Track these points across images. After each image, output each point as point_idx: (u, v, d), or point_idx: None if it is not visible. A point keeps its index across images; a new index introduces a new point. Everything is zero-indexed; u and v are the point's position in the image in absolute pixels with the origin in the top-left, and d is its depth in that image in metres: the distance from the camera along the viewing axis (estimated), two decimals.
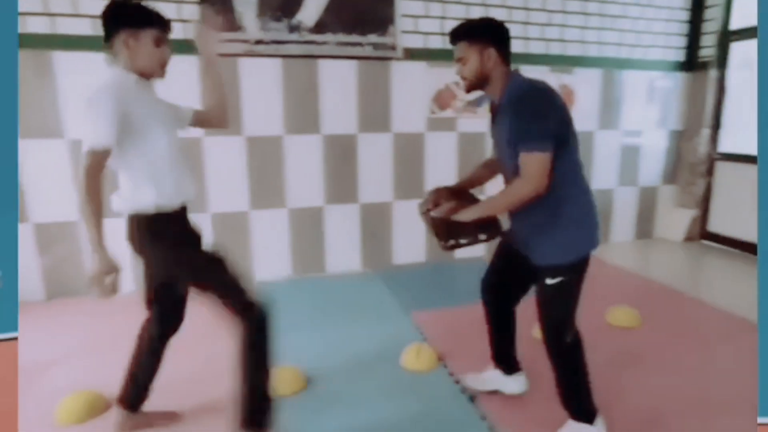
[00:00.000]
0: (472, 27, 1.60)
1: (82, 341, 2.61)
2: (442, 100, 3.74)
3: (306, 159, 3.52)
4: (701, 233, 4.51)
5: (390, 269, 3.78)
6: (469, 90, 1.68)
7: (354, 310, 3.00)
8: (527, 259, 1.70)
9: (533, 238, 1.66)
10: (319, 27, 3.40)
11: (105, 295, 1.47)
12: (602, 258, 4.01)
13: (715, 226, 4.41)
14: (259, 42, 3.31)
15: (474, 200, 1.78)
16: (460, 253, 4.00)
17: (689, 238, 4.50)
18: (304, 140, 3.49)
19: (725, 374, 2.27)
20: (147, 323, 1.82)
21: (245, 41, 3.29)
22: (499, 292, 1.92)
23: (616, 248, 4.34)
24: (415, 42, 3.63)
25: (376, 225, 3.78)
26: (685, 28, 4.32)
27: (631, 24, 4.14)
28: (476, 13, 3.71)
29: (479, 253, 4.00)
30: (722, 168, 4.32)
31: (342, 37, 3.46)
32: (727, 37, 4.18)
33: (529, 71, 3.11)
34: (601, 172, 4.34)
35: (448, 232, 1.64)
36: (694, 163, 4.41)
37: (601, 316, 2.82)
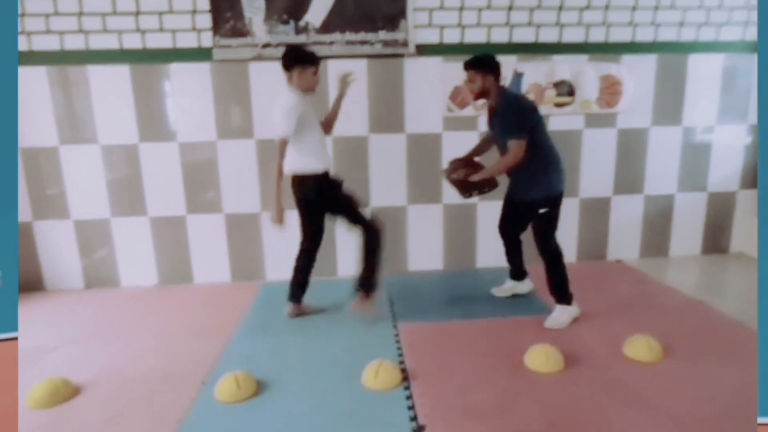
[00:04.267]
0: (480, 61, 2.62)
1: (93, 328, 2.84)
2: (460, 97, 3.48)
3: None
4: None
5: (405, 275, 3.60)
6: (475, 99, 2.77)
7: (340, 317, 2.90)
8: (523, 203, 2.74)
9: (525, 185, 2.68)
10: (327, 27, 3.34)
11: (277, 225, 2.66)
12: (652, 275, 3.44)
13: None
14: (266, 45, 3.34)
15: (479, 166, 2.78)
16: (480, 262, 3.72)
17: None
18: None
19: None
20: (304, 244, 2.87)
21: (254, 46, 3.33)
22: (508, 227, 2.98)
23: (676, 263, 3.71)
24: (431, 37, 3.41)
25: (388, 230, 3.61)
26: None
27: (698, 0, 3.50)
28: (500, 1, 3.39)
29: (500, 263, 3.68)
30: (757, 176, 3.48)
31: (350, 35, 3.36)
32: None
33: (563, 61, 3.45)
34: (657, 175, 3.74)
35: (465, 187, 2.74)
36: None
37: (619, 346, 2.41)
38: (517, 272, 3.13)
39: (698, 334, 2.57)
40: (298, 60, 2.59)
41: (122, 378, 2.30)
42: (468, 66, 2.63)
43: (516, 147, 2.54)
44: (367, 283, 2.79)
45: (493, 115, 2.72)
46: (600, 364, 2.30)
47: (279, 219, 2.62)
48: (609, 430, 1.83)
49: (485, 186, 2.69)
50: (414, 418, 1.93)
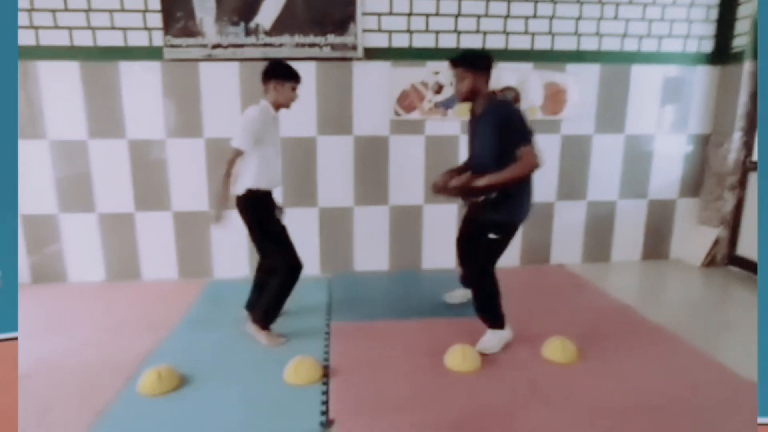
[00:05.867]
0: (471, 57, 2.36)
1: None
2: (407, 101, 3.55)
3: None
4: (728, 257, 3.80)
5: (350, 275, 3.68)
6: (462, 101, 2.45)
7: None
8: (475, 221, 2.50)
9: (485, 204, 2.39)
10: (277, 29, 3.39)
11: (218, 224, 2.52)
12: (590, 279, 3.54)
13: (745, 249, 3.69)
14: (216, 46, 3.39)
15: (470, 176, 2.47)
16: (426, 263, 3.80)
17: (712, 263, 3.82)
18: None
19: None
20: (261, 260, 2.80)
21: (204, 46, 3.38)
22: (464, 242, 2.79)
23: (616, 268, 3.82)
24: (379, 41, 3.48)
25: (336, 230, 3.70)
26: (713, 13, 3.66)
27: (640, 12, 3.60)
28: (448, 7, 3.46)
29: (445, 265, 3.78)
30: (757, 180, 3.59)
31: (299, 38, 3.42)
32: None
33: (509, 69, 3.45)
34: (599, 182, 3.84)
35: (468, 193, 2.43)
36: (722, 174, 3.73)
37: (539, 348, 2.51)
38: (467, 280, 2.96)
39: (616, 336, 2.67)
40: (277, 74, 2.51)
41: (55, 370, 2.35)
42: (456, 63, 2.34)
43: (527, 154, 2.21)
44: (262, 314, 2.63)
45: (476, 122, 2.41)
46: (517, 364, 2.39)
47: (219, 218, 2.53)
48: (513, 425, 1.92)
49: (489, 192, 2.38)
50: (325, 413, 1.99)
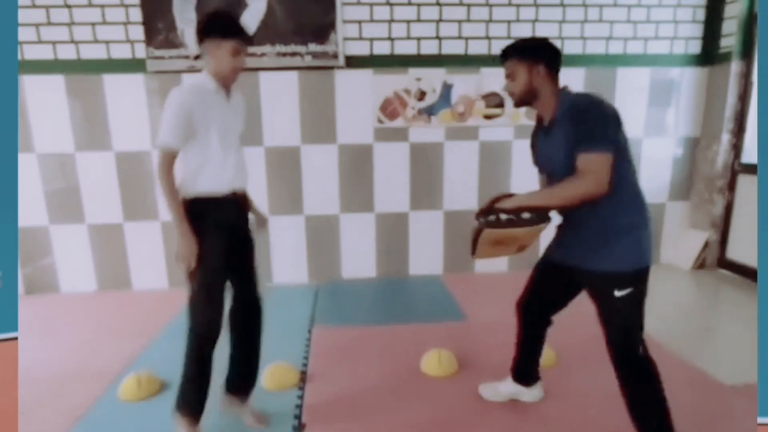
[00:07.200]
0: (523, 45, 1.69)
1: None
2: (390, 108, 3.54)
3: (250, 172, 3.53)
4: (719, 261, 3.75)
5: (337, 282, 3.70)
6: (517, 105, 1.75)
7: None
8: (586, 275, 1.67)
9: (592, 245, 1.62)
10: (258, 39, 3.40)
11: (188, 267, 1.74)
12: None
13: (735, 252, 3.64)
14: (198, 57, 3.40)
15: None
16: (413, 269, 3.80)
17: (701, 266, 3.78)
18: (247, 153, 3.49)
19: None
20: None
21: (186, 57, 3.40)
22: (536, 304, 1.95)
23: None
24: (360, 49, 3.47)
25: (323, 238, 3.71)
26: (700, 14, 3.60)
27: (625, 14, 3.55)
28: (429, 13, 3.44)
29: (432, 271, 3.78)
30: (746, 182, 3.55)
31: (281, 47, 3.42)
32: (752, 22, 3.41)
33: (492, 74, 3.24)
34: None
35: (516, 219, 1.63)
36: (711, 177, 3.68)
37: None
38: (526, 372, 2.08)
39: (597, 341, 2.64)
40: (210, 30, 1.70)
41: (39, 376, 2.40)
42: (506, 55, 1.70)
43: (597, 163, 1.48)
44: (247, 381, 2.00)
45: (548, 130, 1.69)
46: (494, 370, 2.38)
47: (189, 253, 1.71)
48: (482, 430, 1.94)
49: (536, 219, 1.60)
50: (298, 416, 2.04)
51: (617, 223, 1.58)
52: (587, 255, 1.63)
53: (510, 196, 1.66)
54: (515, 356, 2.07)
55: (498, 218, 1.58)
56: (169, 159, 1.70)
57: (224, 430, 1.98)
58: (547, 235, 1.77)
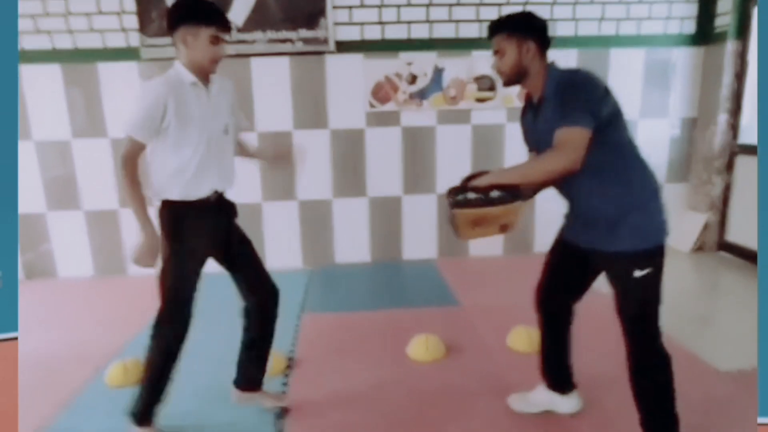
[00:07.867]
0: (511, 19, 1.58)
1: None
2: (382, 93, 3.55)
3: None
4: (718, 243, 3.69)
5: (331, 267, 3.70)
6: (506, 84, 1.65)
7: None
8: (600, 257, 1.57)
9: (609, 223, 1.50)
10: (249, 26, 3.43)
11: (144, 265, 1.69)
12: None
13: (734, 234, 3.57)
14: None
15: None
16: (407, 254, 3.79)
17: (701, 248, 3.71)
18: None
19: None
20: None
21: None
22: (556, 294, 1.80)
23: None
24: (351, 34, 3.49)
25: (317, 223, 3.72)
26: None
27: None
28: None
29: (426, 255, 3.77)
30: (744, 163, 3.48)
31: (271, 34, 3.45)
32: (747, 0, 3.35)
33: (483, 57, 3.12)
34: None
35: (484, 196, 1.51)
36: (709, 158, 3.62)
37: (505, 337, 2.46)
38: (559, 377, 1.88)
39: (587, 326, 2.61)
40: (185, 17, 1.57)
41: (30, 361, 2.41)
42: (494, 30, 1.59)
43: (571, 137, 1.41)
44: (257, 376, 1.97)
45: (537, 108, 1.60)
46: (481, 354, 2.37)
47: (148, 254, 1.67)
48: (473, 416, 1.91)
49: (507, 197, 1.46)
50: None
51: (629, 198, 1.48)
52: (603, 236, 1.51)
53: (484, 173, 1.54)
54: (541, 359, 1.88)
55: (466, 198, 1.47)
56: (133, 151, 1.62)
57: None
58: (553, 219, 1.75)
